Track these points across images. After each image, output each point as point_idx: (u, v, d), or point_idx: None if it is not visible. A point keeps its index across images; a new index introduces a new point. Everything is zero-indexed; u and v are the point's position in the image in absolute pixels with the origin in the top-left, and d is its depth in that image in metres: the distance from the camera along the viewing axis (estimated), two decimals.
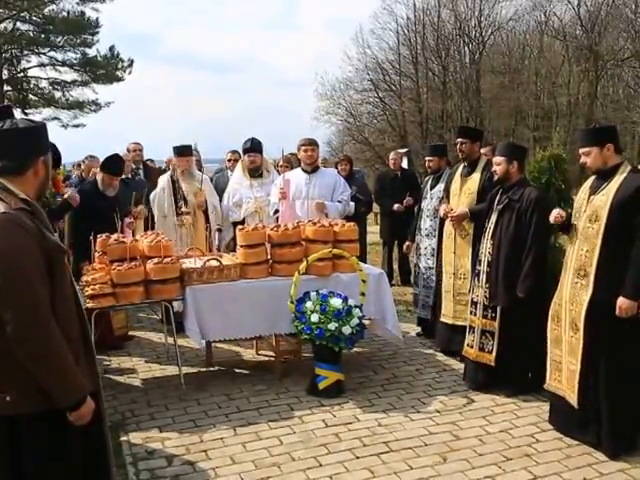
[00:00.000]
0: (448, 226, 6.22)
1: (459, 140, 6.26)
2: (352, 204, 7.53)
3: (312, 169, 6.92)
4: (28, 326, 2.49)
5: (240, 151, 8.68)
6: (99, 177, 6.70)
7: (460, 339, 5.86)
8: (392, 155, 10.18)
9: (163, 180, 7.47)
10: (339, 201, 6.83)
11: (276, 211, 6.91)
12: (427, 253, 6.82)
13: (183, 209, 7.21)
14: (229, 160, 8.89)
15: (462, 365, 5.87)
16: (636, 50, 35.10)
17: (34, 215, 2.64)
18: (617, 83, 39.29)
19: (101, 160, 7.25)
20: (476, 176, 6.11)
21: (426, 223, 6.82)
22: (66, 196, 6.24)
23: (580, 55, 36.93)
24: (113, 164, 6.68)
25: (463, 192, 6.13)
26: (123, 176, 7.62)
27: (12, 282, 2.49)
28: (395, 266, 9.98)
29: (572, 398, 4.39)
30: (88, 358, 2.84)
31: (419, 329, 7.10)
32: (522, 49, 39.24)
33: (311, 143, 6.97)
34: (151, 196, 7.46)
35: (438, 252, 6.57)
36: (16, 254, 2.49)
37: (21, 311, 2.49)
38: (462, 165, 6.31)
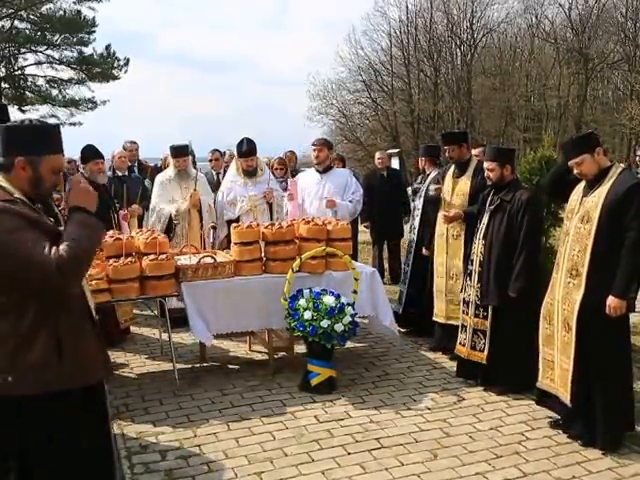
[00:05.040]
0: (440, 227, 6.26)
1: (446, 148, 6.32)
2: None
3: (324, 169, 6.99)
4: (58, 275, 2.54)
5: (221, 150, 8.85)
6: (86, 170, 6.68)
7: (451, 338, 5.93)
8: (378, 155, 10.27)
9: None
10: (350, 201, 6.88)
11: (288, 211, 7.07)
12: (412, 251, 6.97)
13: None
14: (210, 160, 8.99)
15: (452, 363, 5.93)
16: (625, 53, 35.41)
17: (28, 208, 2.67)
18: (606, 86, 39.68)
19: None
20: (468, 177, 6.15)
21: (416, 222, 6.91)
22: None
23: (570, 58, 37.22)
24: (91, 151, 6.69)
25: (455, 193, 6.17)
26: (120, 173, 7.68)
27: (13, 263, 2.54)
28: (386, 265, 10.03)
29: (565, 396, 4.45)
30: (97, 346, 2.90)
31: (410, 327, 7.13)
32: (513, 51, 39.52)
33: (318, 143, 7.10)
34: (152, 201, 7.51)
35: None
36: (10, 237, 2.52)
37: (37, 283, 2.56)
38: (453, 166, 6.35)
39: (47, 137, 2.77)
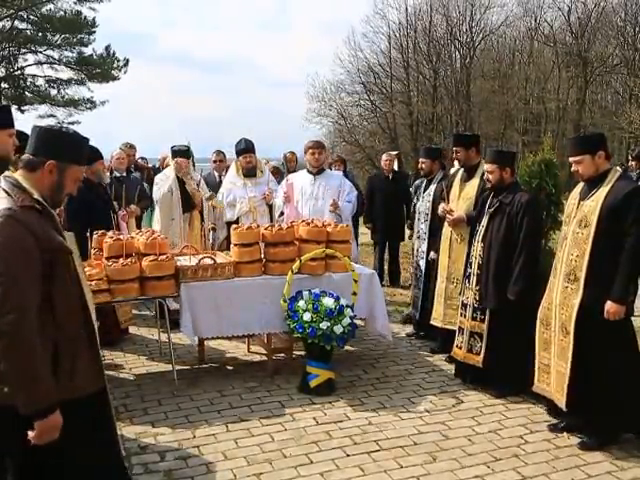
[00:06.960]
0: (446, 229, 6.22)
1: (454, 149, 6.31)
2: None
3: (317, 171, 6.99)
4: (3, 318, 2.49)
5: (224, 151, 8.85)
6: (90, 169, 6.61)
7: (450, 341, 5.93)
8: (385, 157, 9.99)
9: (168, 182, 7.46)
10: (348, 201, 6.89)
11: (282, 213, 7.04)
12: (418, 255, 6.93)
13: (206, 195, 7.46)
14: (214, 161, 8.96)
15: (451, 366, 5.94)
16: (625, 57, 35.46)
17: (42, 215, 2.69)
18: (605, 89, 39.72)
19: None
20: (475, 181, 6.10)
21: (420, 226, 6.89)
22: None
23: (569, 61, 37.26)
24: (94, 150, 6.61)
25: (462, 197, 6.14)
26: (117, 174, 7.68)
27: None
28: (385, 267, 10.02)
29: (560, 400, 4.46)
30: (93, 357, 2.88)
31: (409, 329, 7.15)
32: (512, 54, 39.55)
33: (318, 146, 7.10)
34: (155, 196, 7.51)
35: (427, 254, 6.67)
36: (7, 250, 2.52)
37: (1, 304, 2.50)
38: (462, 170, 6.33)
39: (80, 148, 2.89)
